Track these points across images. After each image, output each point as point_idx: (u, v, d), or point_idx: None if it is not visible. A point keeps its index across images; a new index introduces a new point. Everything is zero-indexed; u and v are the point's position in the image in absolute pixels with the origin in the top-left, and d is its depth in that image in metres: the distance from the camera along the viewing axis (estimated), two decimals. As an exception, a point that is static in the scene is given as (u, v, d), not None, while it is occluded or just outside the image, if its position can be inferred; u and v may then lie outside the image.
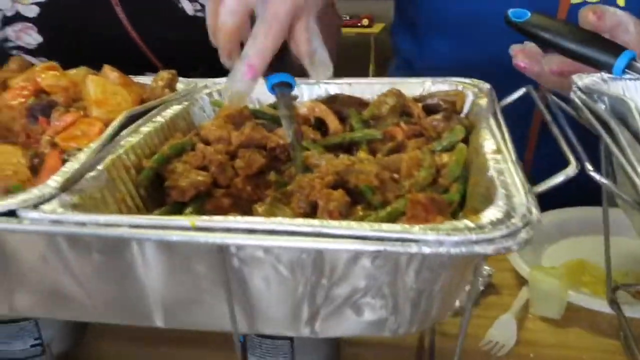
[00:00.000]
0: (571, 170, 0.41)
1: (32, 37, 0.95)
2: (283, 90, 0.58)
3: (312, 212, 0.50)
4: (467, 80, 0.71)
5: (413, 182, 0.54)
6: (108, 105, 0.61)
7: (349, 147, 0.62)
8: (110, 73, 0.69)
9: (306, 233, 0.38)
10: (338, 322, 0.43)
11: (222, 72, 0.77)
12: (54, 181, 0.47)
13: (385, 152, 0.60)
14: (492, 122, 0.54)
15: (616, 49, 0.67)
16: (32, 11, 0.94)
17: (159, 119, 0.63)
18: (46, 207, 0.44)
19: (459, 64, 0.91)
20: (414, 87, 0.72)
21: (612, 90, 0.59)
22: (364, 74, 4.30)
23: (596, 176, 0.42)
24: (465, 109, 0.68)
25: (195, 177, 0.55)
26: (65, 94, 0.64)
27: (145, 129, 0.60)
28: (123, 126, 0.58)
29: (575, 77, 0.60)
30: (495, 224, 0.38)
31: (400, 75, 1.09)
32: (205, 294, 0.43)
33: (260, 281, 0.42)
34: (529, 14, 0.71)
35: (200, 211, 0.54)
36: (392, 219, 0.48)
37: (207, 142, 0.61)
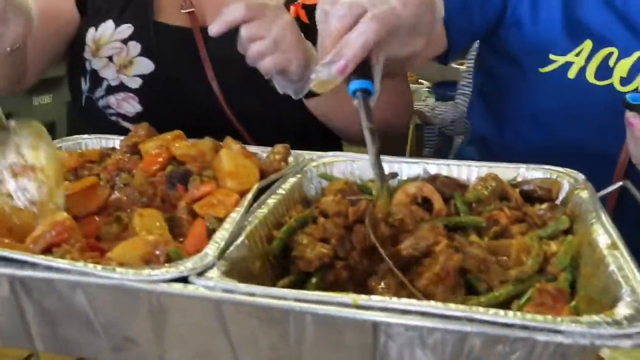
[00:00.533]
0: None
1: (131, 106, 1.02)
2: (364, 97, 0.63)
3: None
4: (561, 169, 0.76)
5: (520, 269, 0.59)
6: (240, 176, 0.67)
7: (453, 227, 0.67)
8: (232, 145, 0.76)
9: (455, 317, 0.43)
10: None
11: (308, 145, 0.85)
12: (211, 250, 0.53)
13: (491, 236, 0.64)
14: (602, 216, 0.59)
15: None
16: (135, 83, 1.02)
17: (280, 191, 0.69)
18: (210, 274, 0.50)
19: (543, 150, 0.96)
20: (509, 171, 0.77)
21: None
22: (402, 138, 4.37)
23: None
24: (560, 198, 0.72)
25: (320, 250, 0.61)
26: (195, 163, 0.71)
27: (271, 201, 0.66)
28: (256, 198, 0.65)
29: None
30: (630, 320, 0.42)
31: (473, 151, 1.15)
32: (350, 364, 0.48)
33: (402, 356, 0.46)
34: None
35: (323, 281, 0.59)
36: (499, 304, 0.53)
37: (326, 215, 0.67)
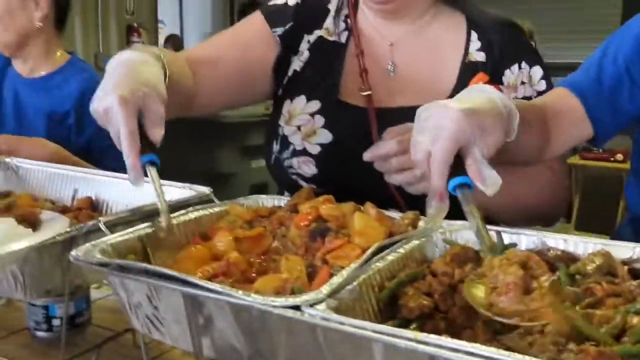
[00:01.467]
0: None
1: (309, 169, 1.23)
2: (464, 190, 0.76)
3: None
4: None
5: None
6: (366, 236, 0.82)
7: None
8: (370, 209, 0.91)
9: (483, 356, 0.52)
10: None
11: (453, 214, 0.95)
12: (324, 289, 0.67)
13: (584, 306, 0.70)
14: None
15: None
16: (315, 149, 1.22)
17: (401, 250, 0.82)
18: (318, 307, 0.64)
19: None
20: (625, 250, 0.81)
21: None
22: (611, 209, 4.12)
23: None
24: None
25: (422, 301, 0.72)
26: (337, 222, 0.87)
27: (390, 257, 0.79)
28: (375, 253, 0.78)
29: None
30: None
31: (630, 232, 1.15)
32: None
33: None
34: None
35: (422, 328, 0.70)
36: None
37: (434, 274, 0.78)
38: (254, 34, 1.27)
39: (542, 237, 0.86)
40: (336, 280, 0.70)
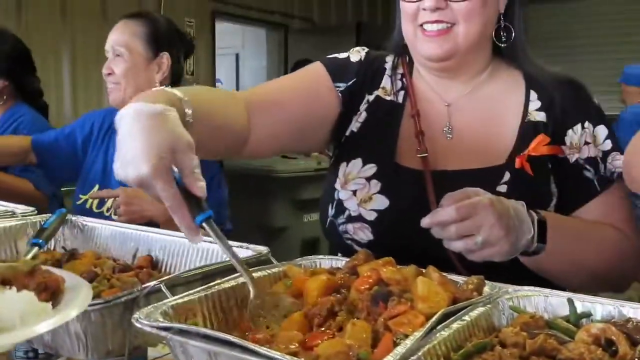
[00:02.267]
0: None
1: (365, 235, 1.19)
2: None
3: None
4: None
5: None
6: (430, 301, 0.79)
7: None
8: (432, 273, 0.89)
9: None
10: None
11: (515, 280, 0.92)
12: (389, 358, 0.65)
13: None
14: None
15: None
16: (371, 215, 1.19)
17: (466, 318, 0.78)
18: (383, 378, 0.62)
19: None
20: None
21: None
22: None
23: None
24: None
25: (492, 375, 0.68)
26: (398, 286, 0.85)
27: (455, 325, 0.76)
28: (439, 321, 0.75)
29: None
30: None
31: None
32: None
33: None
34: None
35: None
36: None
37: (504, 345, 0.74)
38: (318, 84, 1.25)
39: (620, 306, 0.81)
40: (400, 350, 0.67)
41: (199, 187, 0.80)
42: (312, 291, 0.86)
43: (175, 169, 0.81)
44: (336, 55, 1.31)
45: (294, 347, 0.72)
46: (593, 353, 0.71)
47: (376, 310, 0.81)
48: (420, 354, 0.69)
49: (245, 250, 1.10)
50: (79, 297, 0.76)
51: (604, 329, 0.75)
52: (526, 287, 0.89)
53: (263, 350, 0.67)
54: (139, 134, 0.80)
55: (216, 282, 0.89)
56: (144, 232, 1.27)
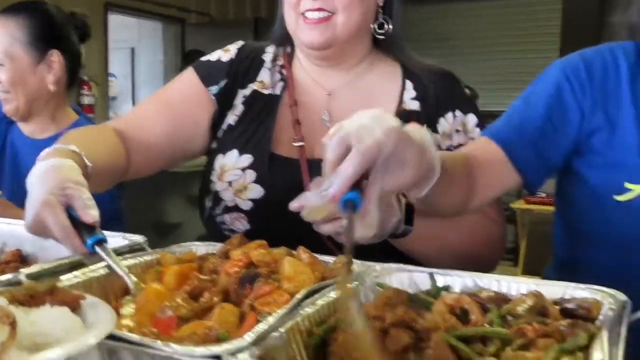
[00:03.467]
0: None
1: (242, 225, 1.20)
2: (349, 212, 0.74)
3: None
4: (608, 290, 0.78)
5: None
6: (296, 281, 0.80)
7: (483, 338, 0.72)
8: (302, 254, 0.90)
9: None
10: None
11: (388, 258, 0.94)
12: (248, 337, 0.65)
13: (516, 347, 0.69)
14: (605, 335, 0.62)
15: None
16: (247, 205, 1.19)
17: (332, 295, 0.80)
18: (240, 356, 0.61)
19: (620, 274, 0.96)
20: (557, 290, 0.81)
21: None
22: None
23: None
24: (601, 317, 0.75)
25: (351, 348, 0.70)
26: (268, 268, 0.85)
27: (320, 302, 0.77)
28: (305, 298, 0.76)
29: None
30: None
31: (554, 275, 1.16)
32: None
33: None
34: None
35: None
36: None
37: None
38: (188, 96, 1.27)
39: (476, 277, 0.86)
40: (261, 327, 0.67)
41: (90, 215, 0.86)
42: (168, 277, 0.85)
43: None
44: (208, 57, 1.31)
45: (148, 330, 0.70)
46: (447, 322, 0.74)
47: (243, 293, 0.81)
48: (282, 330, 0.69)
49: (121, 240, 1.07)
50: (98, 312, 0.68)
51: (458, 299, 0.78)
52: (393, 265, 0.91)
53: (122, 334, 0.65)
54: (35, 185, 0.89)
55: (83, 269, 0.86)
56: (12, 226, 1.20)
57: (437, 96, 1.23)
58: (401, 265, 0.91)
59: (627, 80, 1.04)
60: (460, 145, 1.20)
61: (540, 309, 0.76)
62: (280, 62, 1.28)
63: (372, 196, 0.77)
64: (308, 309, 0.75)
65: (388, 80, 1.25)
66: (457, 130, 1.22)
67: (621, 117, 1.03)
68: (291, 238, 1.01)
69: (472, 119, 1.23)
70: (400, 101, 1.23)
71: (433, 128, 1.21)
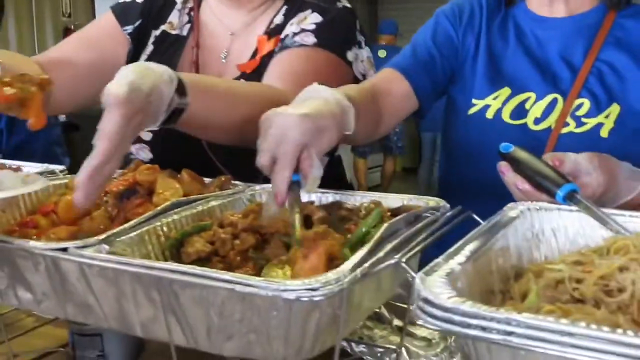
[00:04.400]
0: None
1: (145, 154, 1.32)
2: (293, 187, 0.83)
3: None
4: (437, 200, 0.89)
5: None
6: (165, 194, 0.91)
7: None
8: (185, 174, 1.00)
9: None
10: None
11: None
12: (103, 235, 0.76)
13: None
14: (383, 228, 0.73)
15: (561, 182, 0.82)
16: (148, 136, 1.31)
17: (199, 208, 0.91)
18: (86, 250, 0.73)
19: (477, 186, 1.08)
20: (397, 200, 0.91)
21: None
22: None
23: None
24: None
25: (199, 247, 0.81)
26: (149, 186, 0.96)
27: (185, 213, 0.88)
28: (169, 209, 0.87)
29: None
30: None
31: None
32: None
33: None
34: (513, 147, 0.88)
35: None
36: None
37: (222, 226, 0.87)
38: (106, 34, 1.34)
39: (338, 195, 0.97)
40: (119, 228, 0.79)
41: None
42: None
43: None
44: None
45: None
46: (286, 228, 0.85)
47: (122, 207, 0.92)
48: (139, 231, 0.81)
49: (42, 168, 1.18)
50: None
51: (311, 208, 0.89)
52: (266, 185, 1.02)
53: None
54: None
55: None
56: None
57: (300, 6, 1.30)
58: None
59: (485, 18, 1.21)
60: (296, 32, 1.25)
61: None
62: (190, 4, 1.37)
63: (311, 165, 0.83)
64: (169, 218, 0.86)
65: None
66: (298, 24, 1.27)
67: (480, 47, 1.16)
68: (194, 165, 1.12)
69: (316, 17, 1.27)
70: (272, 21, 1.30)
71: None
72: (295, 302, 0.59)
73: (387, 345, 0.91)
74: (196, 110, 0.93)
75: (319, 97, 0.90)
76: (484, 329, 0.51)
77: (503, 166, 0.88)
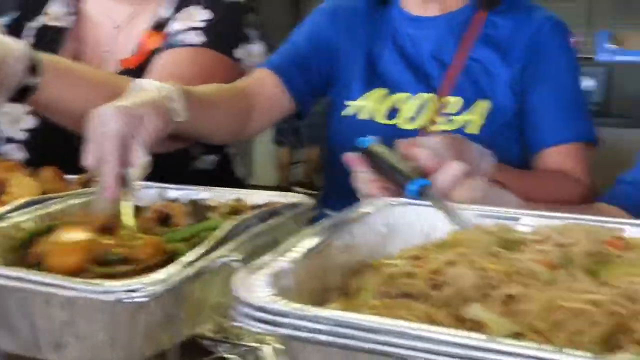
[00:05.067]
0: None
1: (21, 155, 1.28)
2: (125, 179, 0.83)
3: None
4: (299, 197, 0.89)
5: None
6: (15, 194, 0.87)
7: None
8: (46, 171, 0.97)
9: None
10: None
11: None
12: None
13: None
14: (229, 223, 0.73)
15: (413, 176, 0.83)
16: (23, 135, 1.26)
17: (55, 207, 0.87)
18: None
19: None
20: (260, 197, 0.91)
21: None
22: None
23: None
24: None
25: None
26: (7, 183, 0.92)
27: (38, 212, 0.85)
28: (20, 208, 0.84)
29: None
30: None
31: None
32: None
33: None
34: (370, 142, 0.89)
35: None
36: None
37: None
38: None
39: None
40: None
41: None
42: None
43: None
44: None
45: None
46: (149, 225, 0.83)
47: (-22, 203, 0.88)
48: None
49: None
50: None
51: (165, 205, 0.88)
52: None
53: None
54: None
55: None
56: None
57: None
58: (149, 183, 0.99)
59: (363, 18, 1.24)
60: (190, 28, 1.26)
61: (234, 210, 0.87)
62: None
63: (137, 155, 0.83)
64: (19, 218, 0.82)
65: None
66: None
67: (357, 48, 1.21)
68: (67, 164, 1.09)
69: (205, 14, 1.27)
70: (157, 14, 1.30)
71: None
72: (117, 304, 0.57)
73: (252, 344, 0.90)
74: (52, 93, 0.90)
75: (140, 89, 0.91)
76: (295, 327, 0.51)
77: (353, 159, 0.88)
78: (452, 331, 0.47)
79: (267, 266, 0.59)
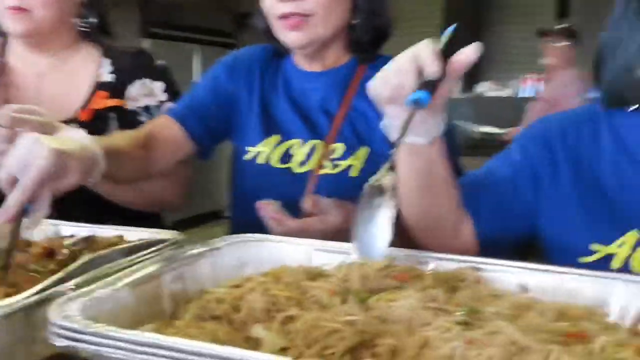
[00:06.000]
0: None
1: None
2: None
3: None
4: (170, 232, 1.03)
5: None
6: None
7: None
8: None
9: None
10: None
11: None
12: None
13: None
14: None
15: None
16: None
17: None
18: None
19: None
20: (137, 234, 1.04)
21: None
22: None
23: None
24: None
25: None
26: None
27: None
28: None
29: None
30: None
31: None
32: None
33: None
34: None
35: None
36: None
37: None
38: None
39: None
40: None
41: None
42: None
43: None
44: None
45: None
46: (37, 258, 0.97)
47: None
48: None
49: None
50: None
51: (52, 242, 1.01)
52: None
53: None
54: None
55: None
56: None
57: (130, 69, 1.47)
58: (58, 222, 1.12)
59: (259, 71, 1.39)
60: (147, 106, 1.45)
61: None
62: None
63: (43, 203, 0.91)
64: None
65: (90, 62, 1.48)
66: (146, 95, 1.46)
67: (254, 98, 1.37)
68: None
69: (160, 86, 1.47)
70: (97, 76, 1.46)
71: (121, 94, 1.45)
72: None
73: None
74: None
75: (79, 140, 1.02)
76: (92, 343, 0.64)
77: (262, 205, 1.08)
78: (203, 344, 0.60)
79: (87, 294, 0.72)
